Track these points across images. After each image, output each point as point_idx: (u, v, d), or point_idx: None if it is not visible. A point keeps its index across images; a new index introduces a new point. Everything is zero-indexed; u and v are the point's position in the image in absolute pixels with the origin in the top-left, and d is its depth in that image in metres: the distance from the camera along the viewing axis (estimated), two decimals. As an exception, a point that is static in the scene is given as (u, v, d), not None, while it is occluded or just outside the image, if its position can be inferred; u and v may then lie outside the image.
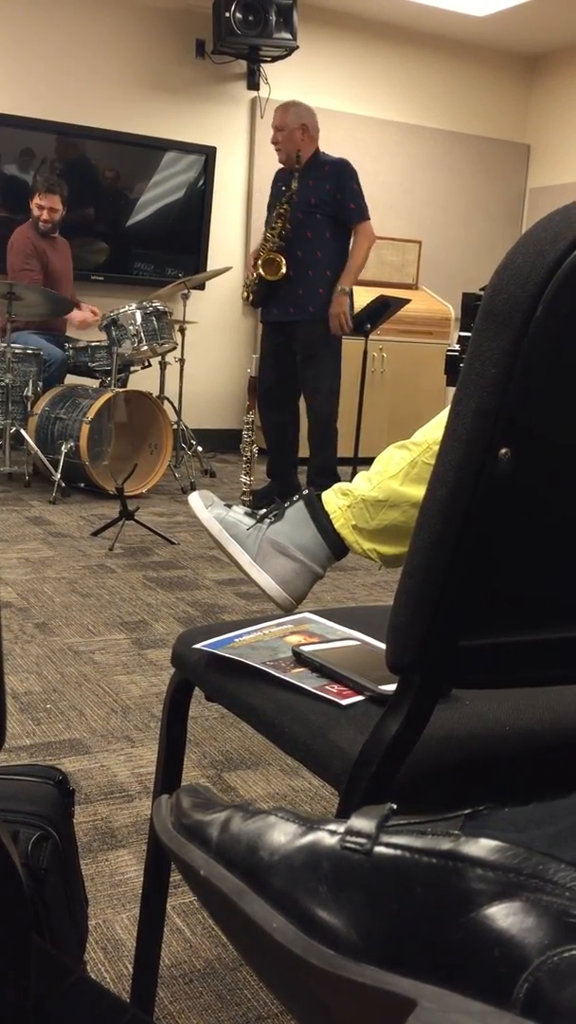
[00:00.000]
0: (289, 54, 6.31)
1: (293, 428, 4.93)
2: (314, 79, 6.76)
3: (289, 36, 6.17)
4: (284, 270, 4.62)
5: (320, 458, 4.83)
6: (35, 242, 5.30)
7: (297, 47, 6.23)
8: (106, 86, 6.21)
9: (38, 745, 2.06)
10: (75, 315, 5.42)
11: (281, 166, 4.75)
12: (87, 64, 6.13)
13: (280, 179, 4.78)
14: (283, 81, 6.57)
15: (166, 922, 1.36)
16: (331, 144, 5.98)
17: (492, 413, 0.69)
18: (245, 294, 4.87)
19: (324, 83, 6.82)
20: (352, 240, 4.69)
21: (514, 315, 0.68)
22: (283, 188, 4.70)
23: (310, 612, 1.20)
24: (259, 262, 4.68)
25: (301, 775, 1.99)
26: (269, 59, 6.43)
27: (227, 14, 6.03)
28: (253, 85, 6.56)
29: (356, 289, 4.82)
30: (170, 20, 6.33)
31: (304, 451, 4.95)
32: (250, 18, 6.07)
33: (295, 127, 4.63)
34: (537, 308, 0.67)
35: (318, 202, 4.60)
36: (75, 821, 1.20)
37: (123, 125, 6.23)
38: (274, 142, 4.70)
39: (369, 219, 4.68)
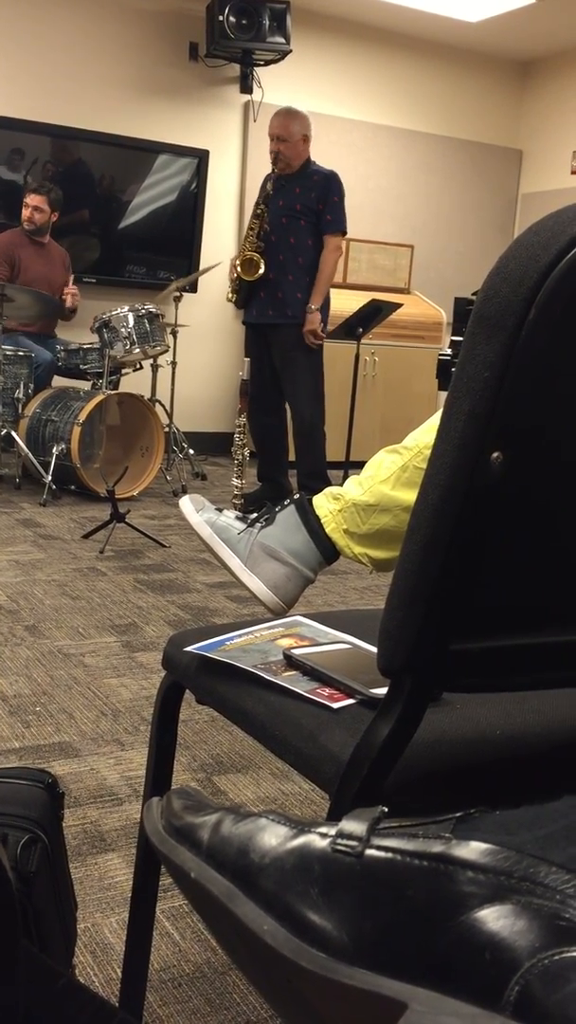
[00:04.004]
0: (282, 58, 6.32)
1: (280, 431, 4.91)
2: (307, 83, 6.77)
3: (282, 40, 6.18)
4: (262, 270, 4.63)
5: (307, 462, 4.82)
6: (12, 246, 5.29)
7: (290, 51, 6.25)
8: (99, 89, 6.20)
9: (27, 748, 2.05)
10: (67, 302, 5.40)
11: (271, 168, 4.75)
12: (80, 67, 6.12)
13: (268, 181, 4.78)
14: (276, 85, 6.58)
15: (155, 926, 1.36)
16: (323, 148, 5.99)
17: (484, 417, 0.69)
18: (230, 295, 4.87)
19: (317, 87, 6.83)
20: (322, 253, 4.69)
21: (507, 319, 0.68)
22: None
23: (301, 615, 1.20)
24: (237, 263, 4.69)
25: (292, 779, 1.99)
26: (262, 63, 6.43)
27: (220, 18, 6.03)
28: (246, 89, 6.56)
29: (348, 294, 4.83)
30: (163, 23, 6.33)
31: (293, 454, 4.95)
32: (243, 22, 6.08)
33: (299, 138, 4.63)
34: (530, 312, 0.67)
35: (303, 209, 4.62)
36: (64, 824, 1.20)
37: (116, 128, 6.23)
38: (275, 151, 4.61)
39: (343, 233, 4.70)
